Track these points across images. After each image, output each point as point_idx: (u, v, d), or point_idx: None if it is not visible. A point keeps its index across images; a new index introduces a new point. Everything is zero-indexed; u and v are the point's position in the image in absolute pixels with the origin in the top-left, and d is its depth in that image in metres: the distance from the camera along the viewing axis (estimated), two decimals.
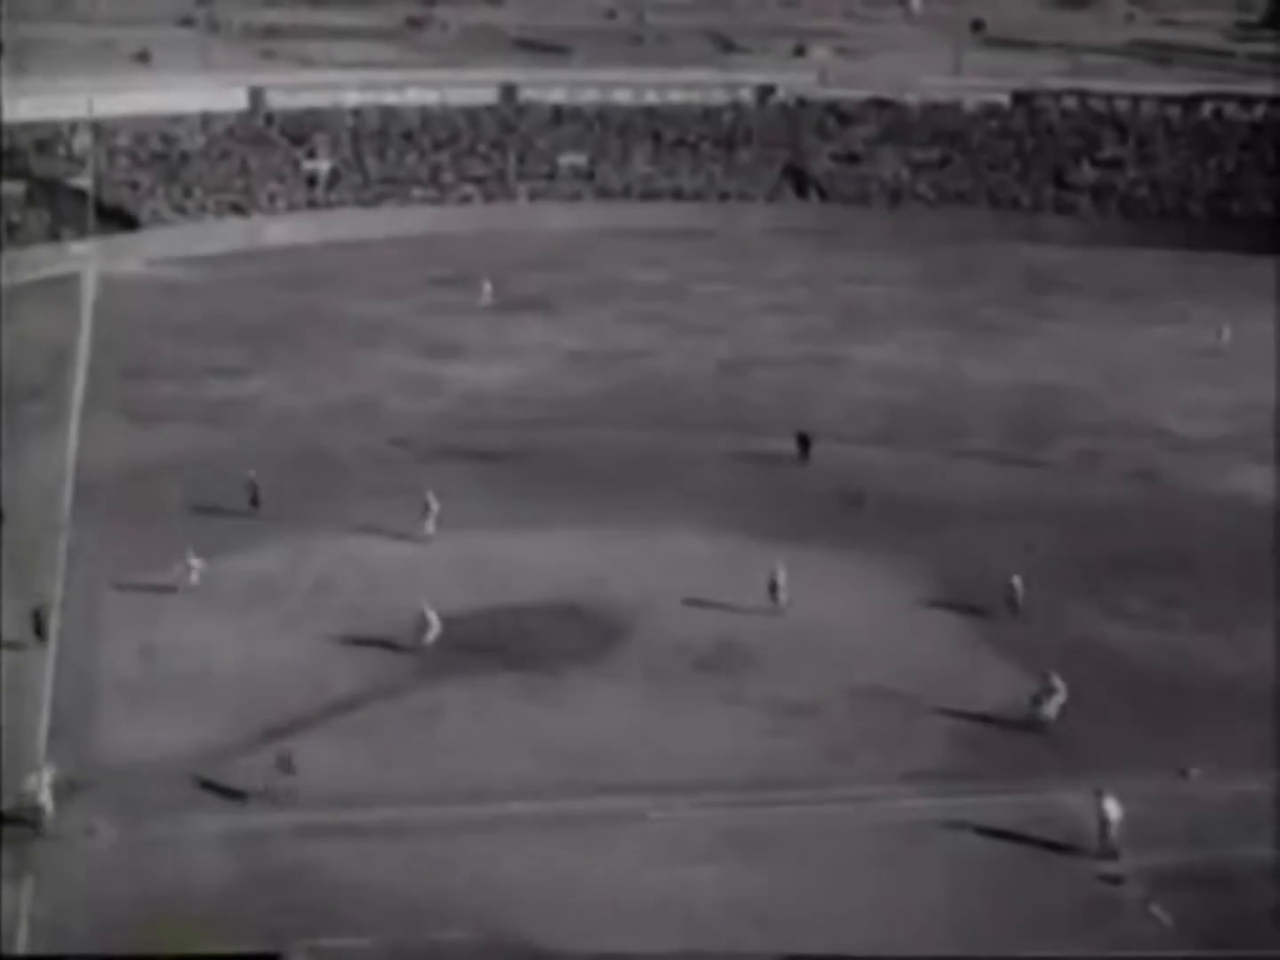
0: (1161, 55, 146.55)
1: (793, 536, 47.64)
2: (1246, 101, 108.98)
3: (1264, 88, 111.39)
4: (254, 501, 49.20)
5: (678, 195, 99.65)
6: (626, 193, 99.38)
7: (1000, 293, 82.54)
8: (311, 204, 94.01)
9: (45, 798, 32.70)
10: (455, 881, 31.40)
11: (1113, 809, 32.58)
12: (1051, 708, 37.55)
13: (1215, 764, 35.99)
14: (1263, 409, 61.90)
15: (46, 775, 32.96)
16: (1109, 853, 32.50)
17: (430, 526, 47.55)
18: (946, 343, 72.22)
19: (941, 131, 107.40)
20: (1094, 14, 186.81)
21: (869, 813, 34.26)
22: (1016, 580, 43.99)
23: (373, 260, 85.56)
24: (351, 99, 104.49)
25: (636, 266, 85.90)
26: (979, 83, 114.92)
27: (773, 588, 43.41)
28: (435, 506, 47.62)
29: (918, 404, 63.15)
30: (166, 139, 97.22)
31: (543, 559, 46.19)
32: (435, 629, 40.71)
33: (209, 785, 34.54)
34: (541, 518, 48.94)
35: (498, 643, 41.54)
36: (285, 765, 34.10)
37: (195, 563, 43.24)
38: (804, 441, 54.99)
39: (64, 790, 33.25)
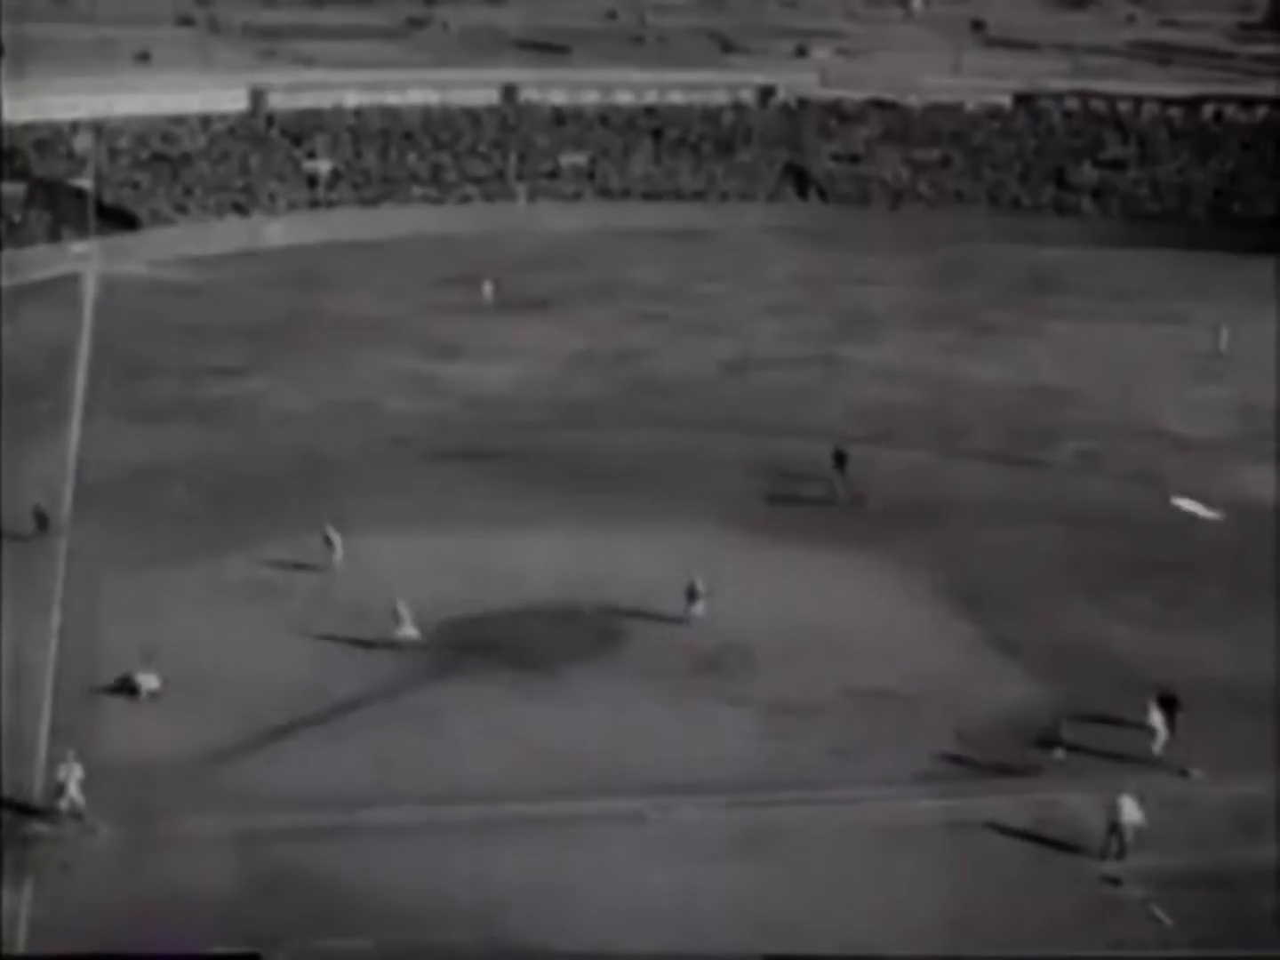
0: (1163, 56, 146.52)
1: (793, 536, 47.67)
2: (1248, 103, 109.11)
3: (1265, 89, 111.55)
4: (41, 525, 46.78)
5: (678, 195, 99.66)
6: (627, 193, 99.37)
7: (1001, 293, 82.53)
8: (312, 204, 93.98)
9: (77, 792, 32.80)
10: (454, 882, 31.39)
11: (1132, 810, 32.50)
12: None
13: (1215, 765, 36.01)
14: (1263, 409, 61.94)
15: (77, 770, 33.00)
16: (1120, 853, 32.47)
17: (337, 558, 45.03)
18: (947, 343, 72.23)
19: (942, 132, 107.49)
20: (1095, 15, 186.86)
21: (869, 813, 34.25)
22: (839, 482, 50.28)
23: (373, 260, 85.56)
24: (352, 99, 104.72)
25: (637, 266, 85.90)
26: (980, 83, 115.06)
27: (690, 595, 42.51)
28: (337, 539, 45.13)
29: (918, 404, 63.15)
30: (167, 139, 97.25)
31: (543, 559, 46.16)
32: (408, 624, 40.56)
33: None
34: (542, 518, 48.93)
35: (497, 643, 41.53)
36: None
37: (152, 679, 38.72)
38: (840, 457, 53.04)
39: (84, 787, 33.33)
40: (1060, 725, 36.38)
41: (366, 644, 40.75)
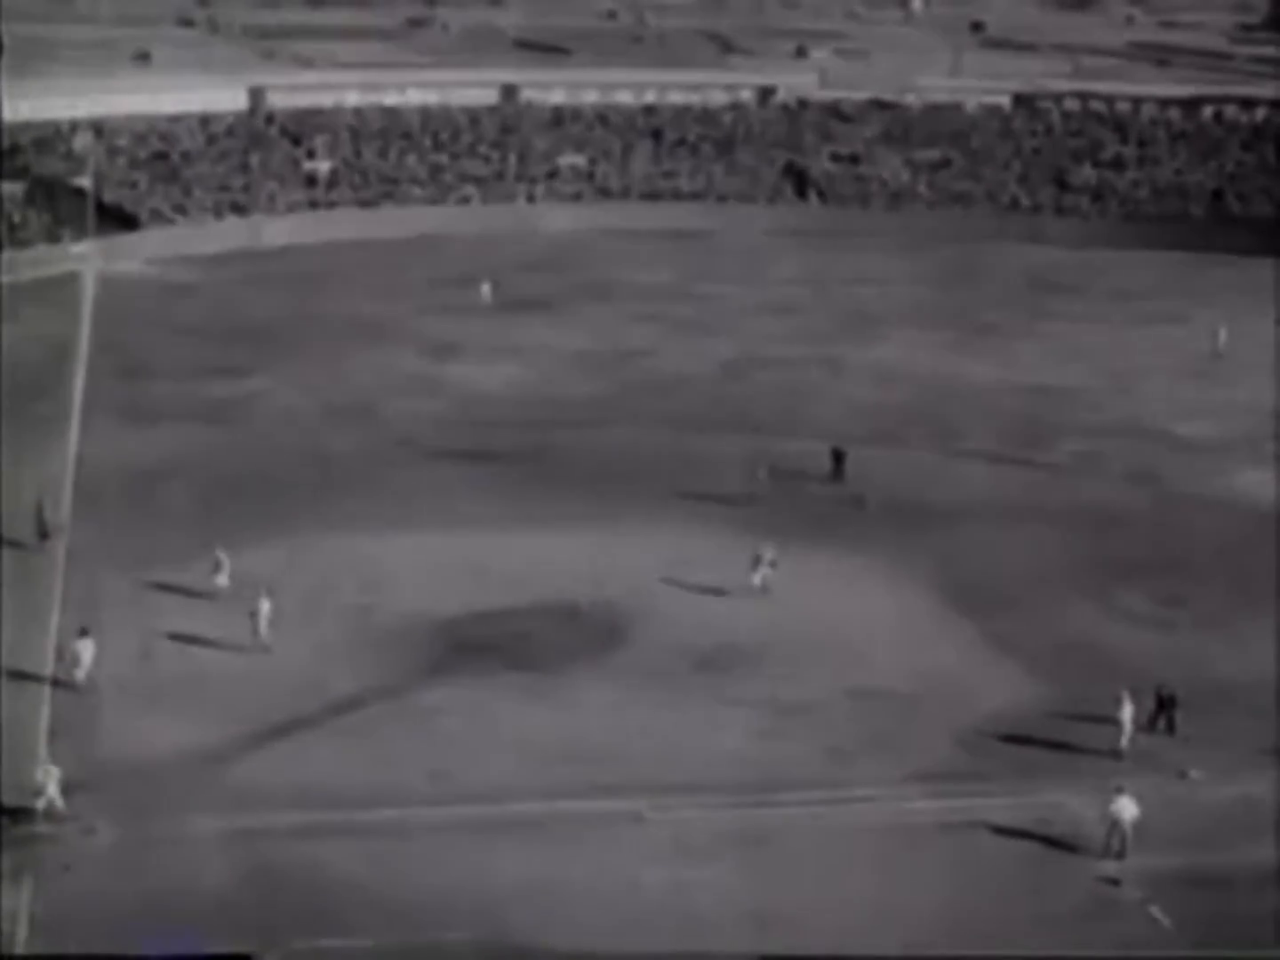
0: (1162, 57, 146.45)
1: (793, 536, 47.65)
2: (1247, 103, 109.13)
3: (1265, 90, 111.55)
4: (43, 534, 46.28)
5: (678, 196, 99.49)
6: (626, 193, 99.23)
7: (1001, 294, 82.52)
8: (312, 204, 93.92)
9: (56, 794, 32.78)
10: (453, 882, 31.38)
11: (1131, 809, 32.53)
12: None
13: (1215, 765, 36.02)
14: (1262, 410, 61.94)
15: (55, 771, 32.97)
16: (1120, 853, 32.48)
17: (223, 580, 42.84)
18: (947, 343, 72.21)
19: (942, 133, 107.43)
20: (1094, 15, 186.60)
21: (868, 813, 34.25)
22: (762, 472, 51.37)
23: (372, 260, 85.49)
24: (351, 99, 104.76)
25: (636, 267, 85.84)
26: (979, 84, 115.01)
27: (755, 564, 43.81)
28: (225, 560, 43.09)
29: (918, 405, 63.16)
30: (167, 139, 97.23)
31: (543, 559, 46.15)
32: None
33: None
34: (542, 518, 48.92)
35: (498, 643, 41.54)
36: None
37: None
38: (838, 457, 53.66)
39: (65, 789, 33.23)
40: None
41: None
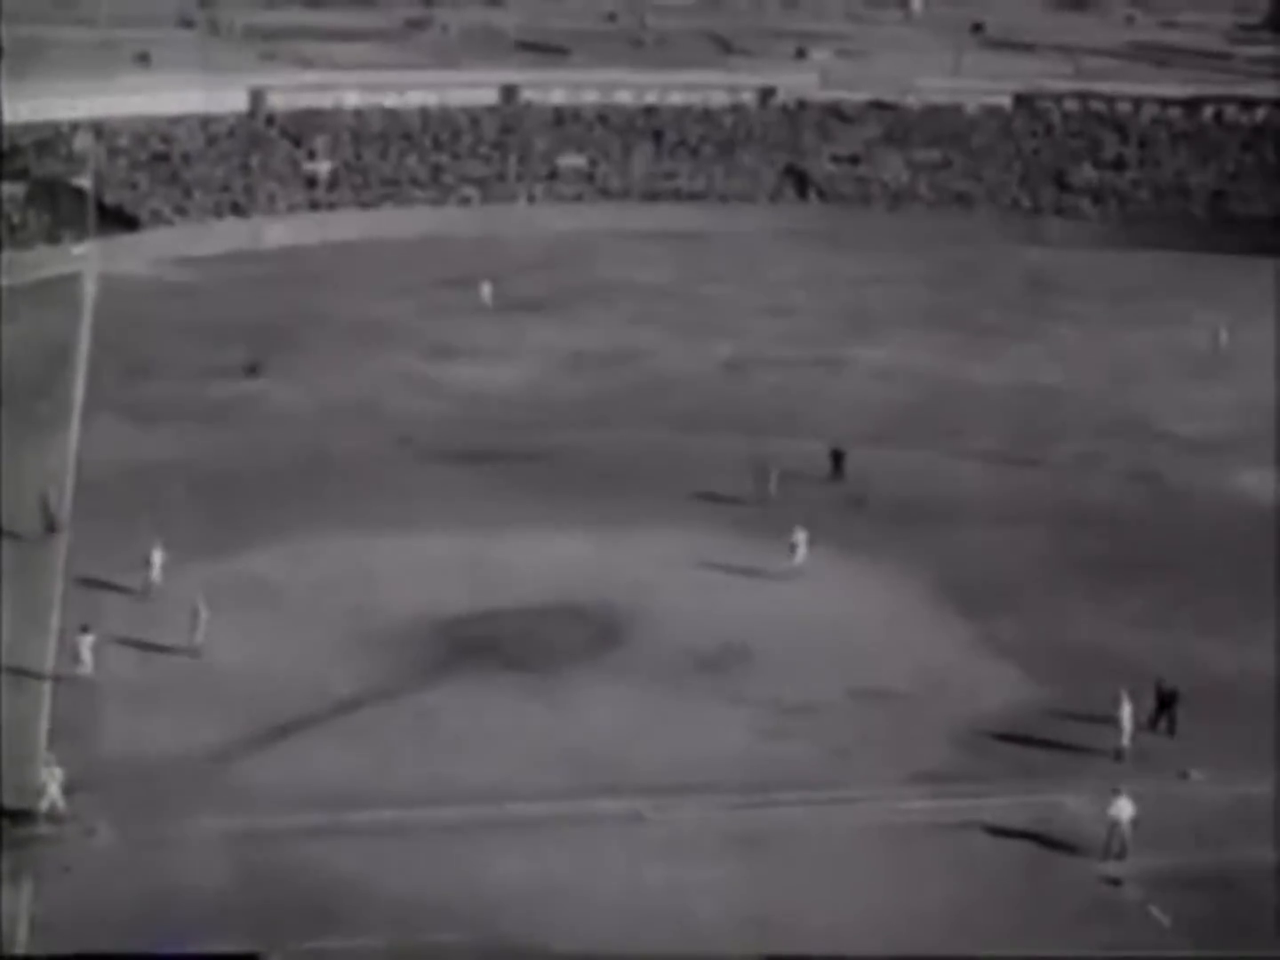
0: (1162, 57, 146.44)
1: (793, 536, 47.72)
2: (1247, 104, 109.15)
3: (1265, 90, 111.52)
4: (49, 528, 46.54)
5: (678, 196, 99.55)
6: (627, 194, 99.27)
7: (1001, 294, 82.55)
8: (312, 205, 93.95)
9: (58, 794, 32.77)
10: (453, 882, 31.36)
11: (1127, 808, 32.54)
12: None
13: (1215, 765, 36.01)
14: (1263, 410, 61.88)
15: (59, 772, 32.96)
16: (1120, 853, 32.46)
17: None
18: (947, 344, 72.21)
19: (942, 133, 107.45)
20: (1094, 15, 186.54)
21: (869, 814, 34.25)
22: (774, 474, 51.02)
23: (373, 261, 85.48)
24: (351, 100, 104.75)
25: (637, 268, 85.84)
26: (979, 84, 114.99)
27: (792, 548, 45.17)
28: (158, 558, 42.81)
29: (919, 405, 63.17)
30: (167, 140, 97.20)
31: (543, 559, 46.19)
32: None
33: None
34: (542, 518, 48.93)
35: (498, 643, 41.55)
36: None
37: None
38: (837, 457, 53.90)
39: (66, 789, 33.25)
40: None
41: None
